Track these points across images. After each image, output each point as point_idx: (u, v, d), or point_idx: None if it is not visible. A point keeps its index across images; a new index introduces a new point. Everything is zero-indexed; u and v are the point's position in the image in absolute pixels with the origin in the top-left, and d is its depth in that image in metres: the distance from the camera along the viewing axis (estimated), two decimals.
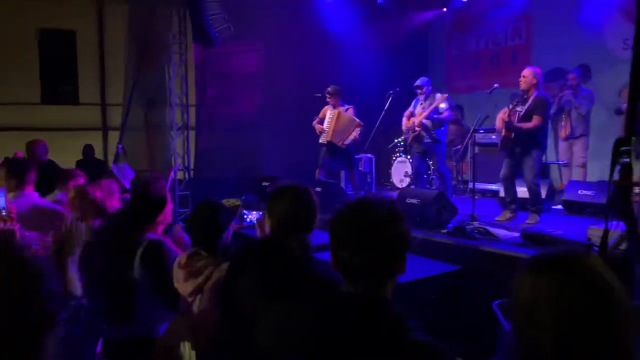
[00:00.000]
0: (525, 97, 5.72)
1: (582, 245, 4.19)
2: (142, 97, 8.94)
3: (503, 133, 5.75)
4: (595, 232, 4.23)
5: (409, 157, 8.16)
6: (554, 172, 7.99)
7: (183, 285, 2.44)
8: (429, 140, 6.90)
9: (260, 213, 4.28)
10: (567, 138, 7.53)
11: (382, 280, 1.45)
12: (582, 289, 1.11)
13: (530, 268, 1.19)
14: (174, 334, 2.42)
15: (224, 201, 3.26)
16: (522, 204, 6.00)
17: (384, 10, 9.48)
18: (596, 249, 3.70)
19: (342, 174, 8.56)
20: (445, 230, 5.24)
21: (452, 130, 8.95)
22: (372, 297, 1.43)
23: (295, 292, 1.82)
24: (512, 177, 5.91)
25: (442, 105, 6.81)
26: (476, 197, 6.01)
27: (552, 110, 6.69)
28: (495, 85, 6.17)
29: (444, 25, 10.37)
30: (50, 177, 4.51)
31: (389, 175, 9.27)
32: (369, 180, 9.12)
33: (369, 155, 8.94)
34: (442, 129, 6.96)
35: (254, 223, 5.54)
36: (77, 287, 1.99)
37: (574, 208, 6.27)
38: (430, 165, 7.46)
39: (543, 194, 6.15)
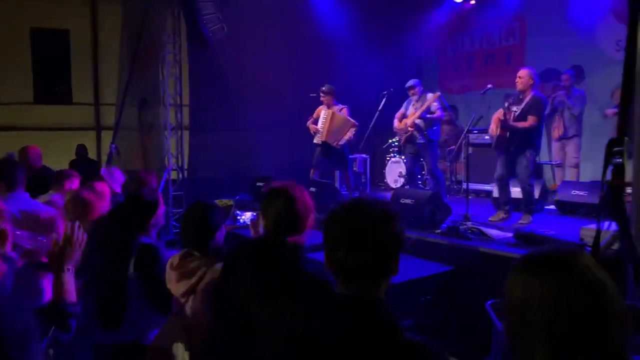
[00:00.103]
0: (521, 97, 5.74)
1: (575, 245, 4.21)
2: (136, 97, 8.90)
3: (498, 132, 5.76)
4: (587, 232, 4.25)
5: (403, 157, 8.18)
6: (547, 173, 8.03)
7: (176, 286, 2.44)
8: (422, 141, 6.92)
9: (254, 213, 4.27)
10: (560, 138, 7.57)
11: (377, 280, 1.45)
12: (579, 288, 1.11)
13: (522, 267, 1.19)
14: (167, 335, 2.41)
15: (217, 201, 3.25)
16: (515, 204, 6.02)
17: (378, 10, 9.49)
18: (589, 249, 3.72)
19: (337, 174, 8.57)
20: (439, 231, 5.25)
21: (446, 131, 8.98)
22: (366, 297, 1.43)
23: (289, 292, 1.82)
24: (507, 178, 5.93)
25: (434, 104, 6.84)
26: (470, 197, 6.03)
27: (546, 111, 6.72)
28: (489, 85, 6.19)
29: (438, 25, 10.38)
30: (44, 184, 4.48)
31: (383, 176, 9.28)
32: (363, 180, 9.13)
33: (364, 155, 8.96)
34: (435, 128, 6.98)
35: (247, 223, 5.53)
36: (72, 293, 1.98)
37: (567, 208, 6.30)
38: (424, 165, 7.48)
39: (536, 194, 6.18)
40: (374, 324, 1.38)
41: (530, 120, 5.57)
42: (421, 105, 6.87)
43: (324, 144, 7.29)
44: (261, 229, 2.24)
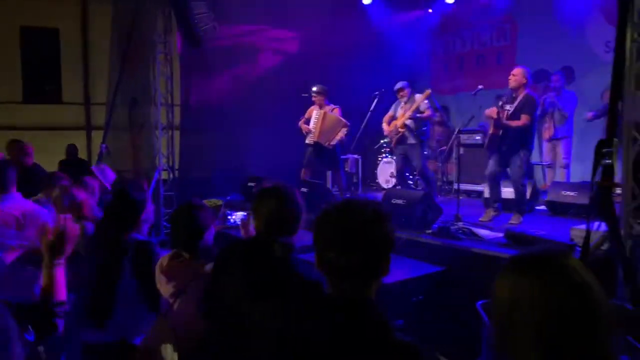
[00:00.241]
0: (514, 95, 5.77)
1: (565, 246, 4.23)
2: (127, 96, 8.86)
3: (491, 130, 5.78)
4: (578, 233, 4.28)
5: (394, 157, 8.19)
6: (538, 173, 8.07)
7: (165, 287, 2.42)
8: (413, 141, 6.94)
9: (244, 213, 4.26)
10: (550, 139, 7.62)
11: (368, 280, 1.45)
12: (569, 289, 1.12)
13: (512, 268, 1.20)
14: (156, 336, 2.39)
15: (205, 201, 3.24)
16: (505, 204, 6.04)
17: (369, 11, 9.50)
18: (579, 249, 3.74)
19: (328, 174, 8.57)
20: (430, 231, 5.26)
21: (438, 131, 9.01)
22: (358, 298, 1.43)
23: (280, 292, 1.81)
24: (499, 175, 5.95)
25: (424, 103, 6.87)
26: (461, 197, 6.04)
27: (537, 111, 6.76)
28: (480, 86, 6.21)
29: (429, 26, 10.41)
30: (36, 181, 4.45)
31: (374, 176, 9.29)
32: (355, 180, 9.13)
33: (355, 155, 8.95)
34: (425, 129, 7.02)
35: (237, 224, 5.51)
36: (62, 290, 1.95)
37: (558, 209, 6.33)
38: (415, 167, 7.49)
39: (527, 195, 6.20)
40: (365, 324, 1.38)
41: (524, 119, 5.60)
42: (410, 106, 6.89)
43: (316, 144, 7.29)
44: (252, 229, 2.23)
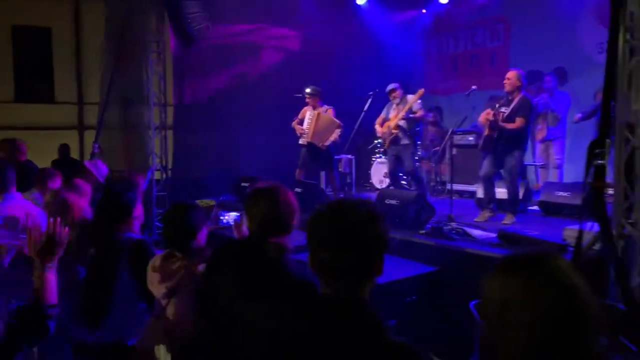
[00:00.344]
0: (510, 98, 5.80)
1: (558, 246, 4.25)
2: (120, 96, 8.82)
3: (486, 132, 5.80)
4: (570, 233, 4.29)
5: (387, 158, 8.20)
6: (530, 174, 8.09)
7: (158, 288, 2.41)
8: (407, 142, 6.95)
9: (238, 214, 4.24)
10: (543, 140, 7.65)
11: (361, 281, 1.45)
12: (560, 290, 1.12)
13: (504, 268, 1.20)
14: (150, 337, 2.38)
15: (198, 201, 3.24)
16: (499, 205, 6.06)
17: (362, 11, 9.51)
18: (571, 249, 3.76)
19: (322, 174, 8.56)
20: (423, 231, 5.26)
21: (431, 132, 9.03)
22: (351, 298, 1.43)
23: (274, 292, 1.81)
24: (493, 176, 5.97)
25: (417, 104, 6.88)
26: (454, 198, 6.05)
27: (533, 114, 6.79)
28: (473, 87, 6.22)
29: (423, 26, 10.43)
30: (29, 177, 4.43)
31: (368, 176, 9.30)
32: (348, 181, 9.14)
33: (349, 156, 8.96)
34: (418, 129, 7.03)
35: (230, 224, 5.49)
36: (53, 293, 1.94)
37: (551, 209, 6.35)
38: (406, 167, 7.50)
39: (520, 195, 6.22)
40: (359, 324, 1.38)
41: (519, 122, 5.63)
42: (403, 107, 6.90)
43: (310, 145, 7.28)
44: (245, 230, 2.22)
